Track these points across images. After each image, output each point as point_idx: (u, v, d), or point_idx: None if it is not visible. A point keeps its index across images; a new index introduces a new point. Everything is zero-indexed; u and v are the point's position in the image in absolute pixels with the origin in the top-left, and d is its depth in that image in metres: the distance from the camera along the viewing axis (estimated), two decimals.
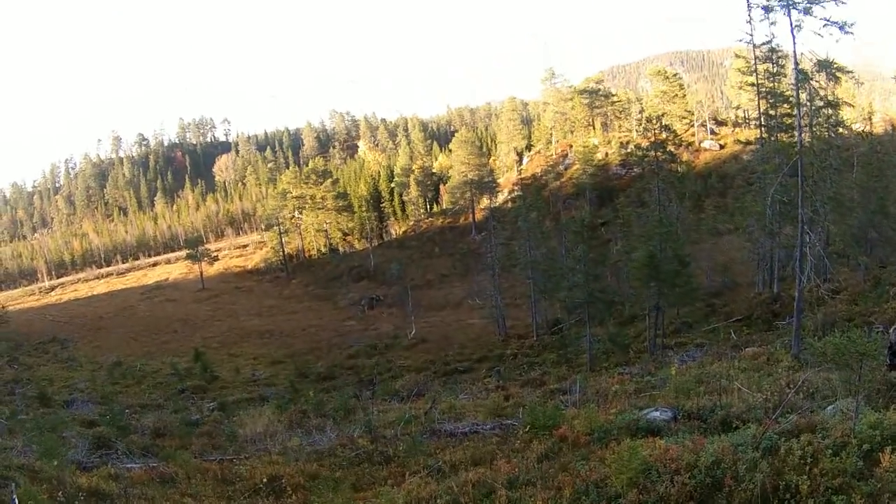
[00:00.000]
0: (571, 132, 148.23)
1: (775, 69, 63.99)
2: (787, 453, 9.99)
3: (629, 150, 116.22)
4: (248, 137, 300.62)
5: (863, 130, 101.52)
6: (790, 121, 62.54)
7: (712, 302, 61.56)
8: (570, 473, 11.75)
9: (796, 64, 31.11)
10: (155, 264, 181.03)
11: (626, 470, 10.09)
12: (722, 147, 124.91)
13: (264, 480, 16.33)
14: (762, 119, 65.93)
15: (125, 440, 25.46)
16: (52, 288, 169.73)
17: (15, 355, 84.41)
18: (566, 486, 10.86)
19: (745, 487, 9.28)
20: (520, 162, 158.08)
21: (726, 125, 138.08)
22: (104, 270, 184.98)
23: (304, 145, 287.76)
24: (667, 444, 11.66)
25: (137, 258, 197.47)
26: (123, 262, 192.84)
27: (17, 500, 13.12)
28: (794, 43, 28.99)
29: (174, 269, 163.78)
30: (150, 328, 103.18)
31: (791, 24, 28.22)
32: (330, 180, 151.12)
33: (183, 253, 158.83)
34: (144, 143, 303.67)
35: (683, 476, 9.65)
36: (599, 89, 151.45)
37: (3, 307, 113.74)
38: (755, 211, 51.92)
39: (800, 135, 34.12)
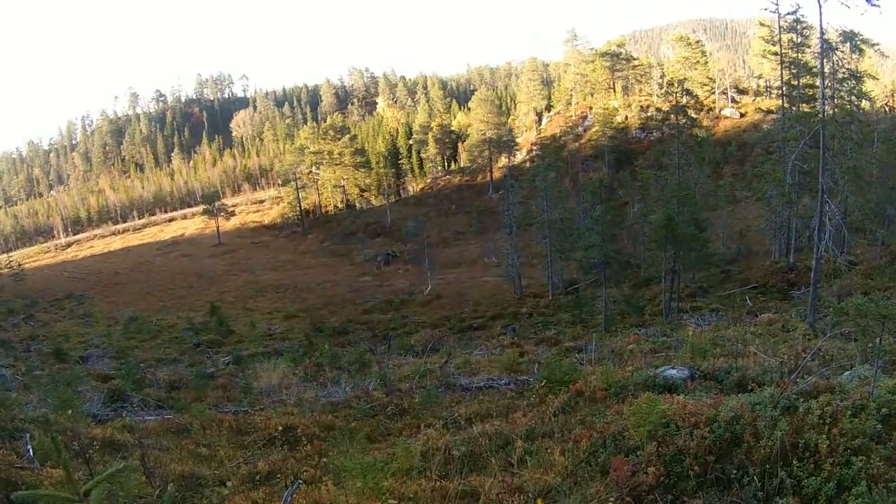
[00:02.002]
0: (592, 94, 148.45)
1: (799, 39, 63.97)
2: (806, 413, 9.91)
3: (649, 114, 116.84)
4: (267, 93, 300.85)
5: (886, 104, 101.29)
6: (812, 91, 62.58)
7: (728, 268, 61.49)
8: (588, 426, 11.72)
9: (822, 33, 30.86)
10: (171, 220, 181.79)
11: (644, 423, 10.03)
12: (742, 115, 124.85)
13: (279, 429, 16.37)
14: (784, 89, 65.87)
15: (140, 393, 25.53)
16: (69, 245, 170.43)
17: (31, 312, 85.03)
18: (583, 438, 10.80)
19: (765, 444, 9.23)
20: (539, 122, 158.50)
21: (747, 94, 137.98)
22: (120, 227, 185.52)
23: (322, 101, 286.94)
24: (685, 399, 11.63)
25: (154, 214, 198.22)
26: (140, 218, 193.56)
27: (31, 451, 13.19)
28: (821, 12, 28.69)
29: (191, 224, 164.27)
30: (166, 283, 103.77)
31: None
32: (348, 136, 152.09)
33: (199, 208, 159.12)
34: (161, 99, 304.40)
35: (703, 430, 9.59)
36: (621, 52, 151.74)
37: (19, 264, 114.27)
38: (775, 177, 51.73)
39: (823, 104, 33.97)
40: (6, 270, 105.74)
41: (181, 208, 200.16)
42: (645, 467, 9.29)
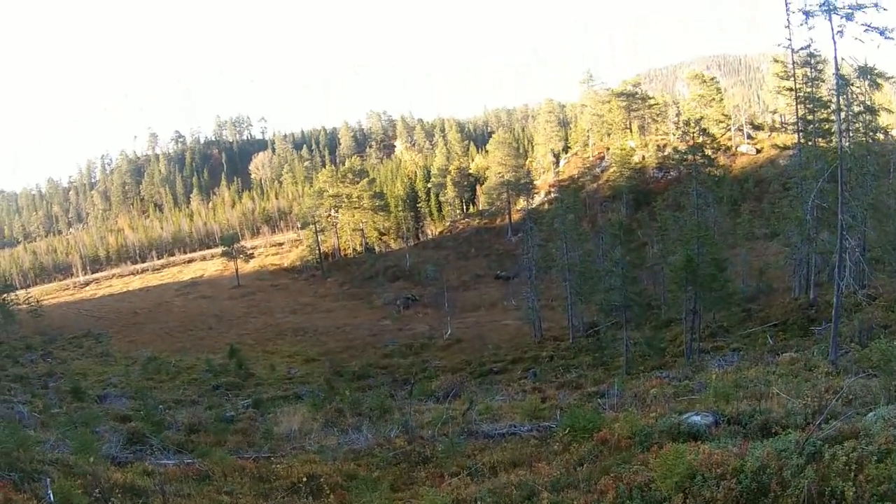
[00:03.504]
0: (608, 135, 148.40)
1: (813, 74, 63.88)
2: (831, 459, 9.89)
3: (666, 154, 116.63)
4: (285, 136, 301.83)
5: None
6: (828, 126, 62.40)
7: (748, 307, 61.03)
8: (613, 477, 11.63)
9: (837, 69, 30.73)
10: (190, 261, 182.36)
11: (671, 474, 10.00)
12: (758, 151, 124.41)
13: (304, 479, 16.31)
14: (800, 124, 65.76)
15: (159, 436, 25.50)
16: (87, 283, 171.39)
17: (49, 349, 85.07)
18: (609, 490, 10.74)
19: (791, 493, 9.21)
20: (557, 164, 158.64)
21: (763, 130, 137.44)
22: (139, 266, 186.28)
23: (340, 144, 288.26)
24: (711, 448, 11.59)
25: (173, 254, 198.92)
26: (159, 259, 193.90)
27: (51, 495, 13.14)
28: (836, 48, 28.54)
29: (210, 265, 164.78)
30: (185, 324, 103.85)
31: (832, 30, 27.77)
32: (367, 179, 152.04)
33: (219, 250, 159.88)
34: (181, 140, 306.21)
35: (730, 481, 9.57)
36: (636, 92, 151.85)
37: (37, 301, 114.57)
38: (796, 217, 51.60)
39: (840, 140, 33.80)
40: (24, 306, 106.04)
41: (200, 249, 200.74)
42: None
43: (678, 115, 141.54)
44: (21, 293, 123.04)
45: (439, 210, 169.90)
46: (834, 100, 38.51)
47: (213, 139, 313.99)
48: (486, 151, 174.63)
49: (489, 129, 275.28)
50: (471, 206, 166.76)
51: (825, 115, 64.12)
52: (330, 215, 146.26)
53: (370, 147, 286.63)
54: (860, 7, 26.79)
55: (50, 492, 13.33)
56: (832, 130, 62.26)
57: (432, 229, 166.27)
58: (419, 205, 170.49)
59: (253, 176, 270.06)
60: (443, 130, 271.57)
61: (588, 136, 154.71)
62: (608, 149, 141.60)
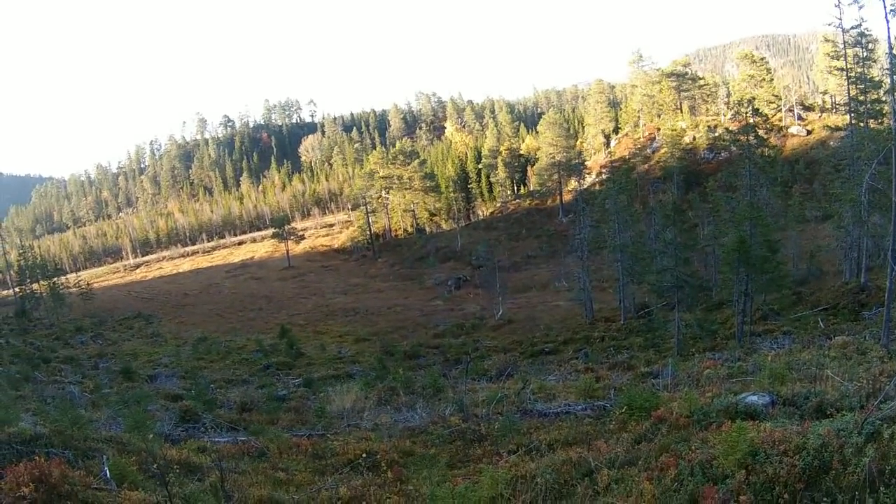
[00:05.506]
0: (659, 115, 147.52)
1: (864, 54, 63.11)
2: (890, 438, 9.83)
3: (717, 134, 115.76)
4: (335, 118, 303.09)
5: None
6: (880, 107, 61.58)
7: (798, 290, 60.36)
8: (673, 454, 11.59)
9: (891, 48, 30.41)
10: (241, 243, 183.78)
11: (734, 451, 9.94)
12: (809, 133, 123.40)
13: (363, 455, 16.32)
14: (851, 105, 64.96)
15: (212, 414, 25.61)
16: (137, 266, 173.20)
17: (99, 330, 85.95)
18: (670, 467, 10.67)
19: (852, 471, 9.16)
20: (607, 144, 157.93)
21: (813, 110, 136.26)
22: (189, 249, 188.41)
23: (390, 126, 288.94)
24: (772, 427, 11.51)
25: (223, 237, 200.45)
26: (209, 241, 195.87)
27: (108, 472, 13.18)
28: (889, 28, 28.23)
29: (260, 247, 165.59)
30: (236, 305, 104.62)
31: (885, 9, 27.47)
32: (417, 161, 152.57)
33: (269, 232, 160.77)
34: (230, 124, 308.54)
35: (792, 458, 9.51)
36: (686, 72, 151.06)
37: (87, 284, 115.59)
38: (850, 199, 51.01)
39: (895, 121, 33.49)
40: (75, 289, 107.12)
41: (250, 232, 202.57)
42: (736, 496, 9.22)
43: (728, 95, 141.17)
44: (71, 277, 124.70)
45: (490, 191, 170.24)
46: (887, 80, 38.20)
47: (263, 123, 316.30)
48: (537, 132, 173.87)
49: (539, 109, 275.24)
50: (521, 187, 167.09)
51: (877, 96, 63.34)
52: (381, 196, 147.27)
53: (420, 128, 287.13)
54: None
55: (106, 468, 13.35)
56: (885, 111, 61.61)
57: (483, 210, 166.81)
58: (470, 185, 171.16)
59: (303, 158, 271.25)
60: (492, 111, 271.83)
61: (639, 117, 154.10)
62: (659, 129, 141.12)
